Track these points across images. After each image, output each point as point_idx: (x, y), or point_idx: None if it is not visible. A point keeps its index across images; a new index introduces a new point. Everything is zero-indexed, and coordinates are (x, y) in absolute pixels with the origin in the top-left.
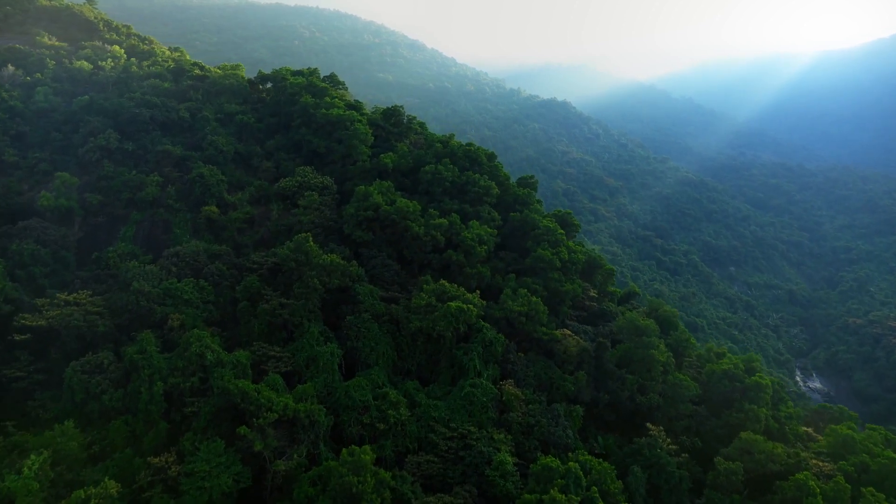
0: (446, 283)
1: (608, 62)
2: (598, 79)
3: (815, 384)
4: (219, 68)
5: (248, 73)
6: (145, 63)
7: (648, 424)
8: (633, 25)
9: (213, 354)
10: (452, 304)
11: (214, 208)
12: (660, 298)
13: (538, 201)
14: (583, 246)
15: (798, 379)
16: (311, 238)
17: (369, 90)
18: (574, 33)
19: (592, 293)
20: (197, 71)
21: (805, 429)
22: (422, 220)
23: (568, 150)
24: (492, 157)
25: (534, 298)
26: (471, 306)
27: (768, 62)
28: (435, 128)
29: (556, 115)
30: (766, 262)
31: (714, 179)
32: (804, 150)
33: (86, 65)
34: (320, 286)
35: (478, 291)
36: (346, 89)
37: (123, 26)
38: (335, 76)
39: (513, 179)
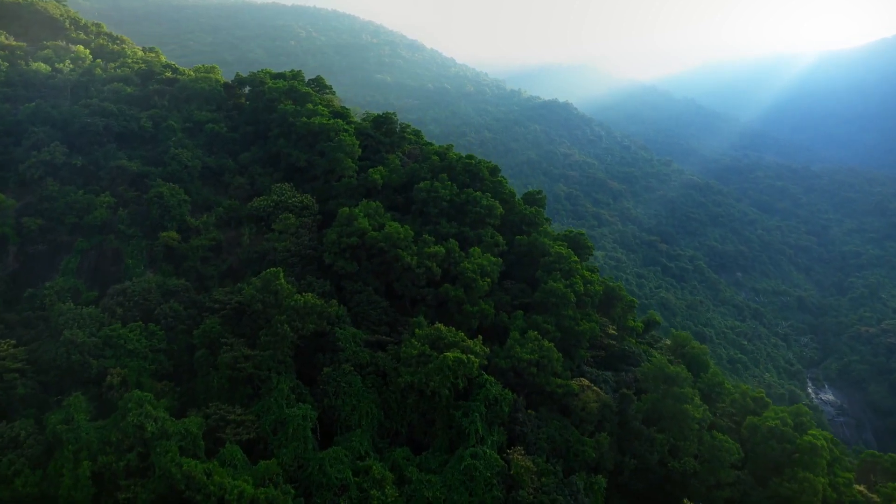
0: (442, 328)
1: (608, 62)
2: (599, 79)
3: (828, 396)
4: (193, 70)
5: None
6: (112, 65)
7: (686, 502)
8: (633, 25)
9: (156, 424)
10: (449, 354)
11: (174, 234)
12: (688, 334)
13: (547, 219)
14: (598, 272)
15: (810, 391)
16: (281, 274)
17: (367, 91)
18: (574, 33)
19: (611, 330)
20: (168, 74)
21: (859, 488)
22: (414, 247)
23: (570, 153)
24: (495, 171)
25: (546, 343)
26: (471, 357)
27: (770, 62)
28: (434, 130)
29: (557, 116)
30: (774, 267)
31: (718, 182)
32: (808, 152)
33: (43, 67)
34: (291, 333)
35: (480, 337)
36: (333, 93)
37: (93, 24)
38: (321, 79)
39: (512, 183)
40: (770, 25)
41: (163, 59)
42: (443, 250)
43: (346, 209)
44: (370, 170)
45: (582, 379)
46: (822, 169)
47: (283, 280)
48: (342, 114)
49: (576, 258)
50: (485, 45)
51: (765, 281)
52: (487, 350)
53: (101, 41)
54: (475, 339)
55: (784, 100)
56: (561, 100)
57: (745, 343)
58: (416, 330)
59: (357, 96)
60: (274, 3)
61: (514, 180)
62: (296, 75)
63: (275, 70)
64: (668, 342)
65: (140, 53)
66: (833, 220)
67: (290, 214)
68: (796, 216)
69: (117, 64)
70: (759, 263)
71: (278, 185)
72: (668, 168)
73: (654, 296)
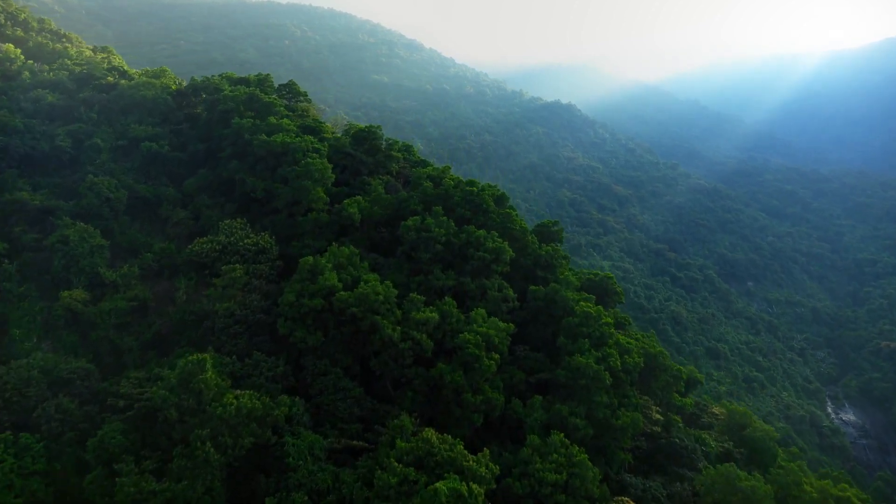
0: (433, 437)
1: (610, 63)
2: (600, 80)
3: (849, 416)
4: (141, 73)
5: (241, 73)
6: (46, 67)
7: None
8: (634, 25)
9: None
10: (442, 485)
11: (81, 293)
12: (746, 410)
13: (565, 258)
14: (631, 328)
15: (829, 410)
16: (209, 363)
17: (363, 92)
18: (574, 34)
19: (655, 413)
20: (110, 78)
21: None
22: (398, 312)
23: (573, 156)
24: (502, 199)
25: (576, 453)
26: (474, 486)
27: (772, 63)
28: (432, 132)
29: (560, 118)
30: (786, 276)
31: (726, 185)
32: (815, 154)
33: None
34: (217, 456)
35: (486, 451)
36: (308, 101)
37: (37, 21)
38: (294, 85)
39: (514, 189)
40: (770, 26)
41: (116, 60)
42: (436, 316)
43: (310, 259)
44: (346, 201)
45: (625, 499)
46: (832, 172)
47: (210, 373)
48: (314, 128)
49: (608, 319)
50: (484, 45)
51: (777, 291)
52: (496, 469)
53: (40, 39)
54: (480, 454)
55: (788, 101)
56: (562, 101)
57: (761, 359)
58: (398, 441)
59: (352, 97)
60: (269, 0)
61: (516, 185)
62: (262, 80)
63: (270, 70)
64: (717, 411)
65: (88, 54)
66: (846, 226)
67: (238, 265)
68: (807, 222)
69: (54, 66)
70: (770, 272)
71: (228, 221)
72: (675, 172)
73: (664, 309)
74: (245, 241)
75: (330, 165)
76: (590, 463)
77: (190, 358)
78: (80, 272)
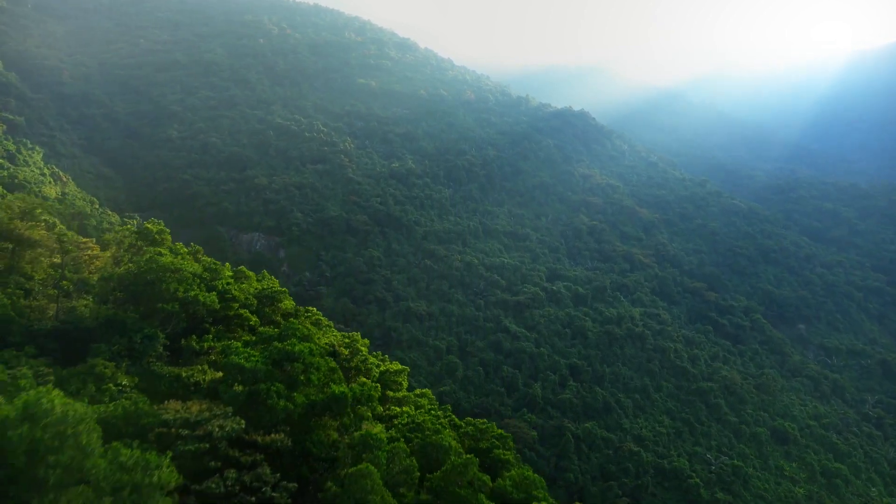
0: None
1: (616, 66)
2: (607, 84)
3: None
4: None
5: (205, 77)
6: None
7: None
8: (640, 26)
9: None
10: None
11: None
12: None
13: None
14: None
15: None
16: None
17: (347, 99)
18: (572, 36)
19: None
20: None
21: None
22: None
23: (590, 174)
24: None
25: None
26: None
27: (789, 66)
28: (427, 146)
29: (573, 128)
30: (842, 315)
31: (759, 204)
32: (843, 163)
33: None
34: None
35: None
36: None
37: None
38: None
39: (525, 216)
40: (774, 26)
41: None
42: None
43: None
44: None
45: None
46: (873, 187)
47: None
48: None
49: None
50: (481, 46)
51: (834, 335)
52: None
53: None
54: None
55: (807, 106)
56: (570, 107)
57: (835, 439)
58: None
59: (334, 105)
60: None
61: (525, 210)
62: None
63: (240, 73)
64: None
65: None
66: None
67: None
68: (855, 247)
69: None
70: (824, 312)
71: None
72: (704, 190)
73: (714, 374)
74: None
75: None
76: None
77: None
78: None
